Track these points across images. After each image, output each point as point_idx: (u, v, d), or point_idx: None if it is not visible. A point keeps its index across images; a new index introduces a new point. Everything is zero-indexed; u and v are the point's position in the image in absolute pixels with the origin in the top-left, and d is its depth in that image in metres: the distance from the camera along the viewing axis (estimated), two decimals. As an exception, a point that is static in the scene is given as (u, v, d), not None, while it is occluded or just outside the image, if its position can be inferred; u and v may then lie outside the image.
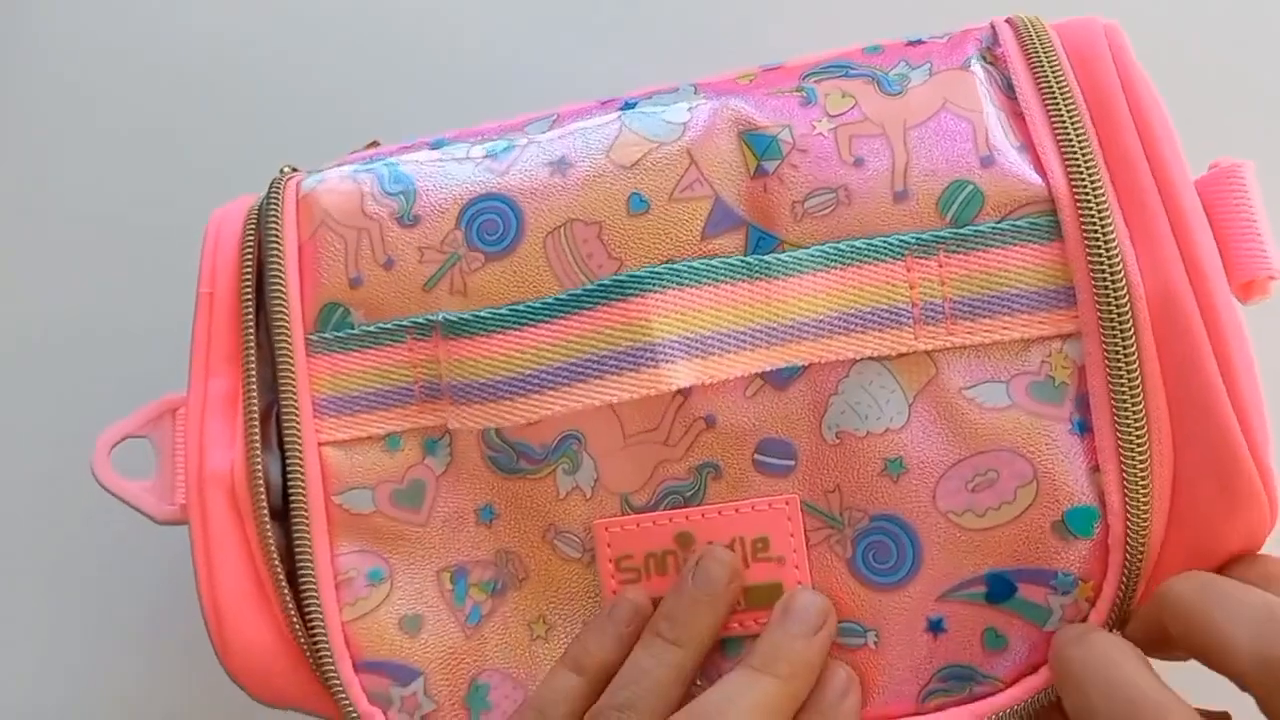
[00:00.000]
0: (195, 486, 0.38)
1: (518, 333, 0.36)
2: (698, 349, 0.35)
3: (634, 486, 0.36)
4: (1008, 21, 0.37)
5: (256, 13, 0.53)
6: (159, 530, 0.45)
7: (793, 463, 0.35)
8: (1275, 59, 0.47)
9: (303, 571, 0.37)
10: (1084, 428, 0.34)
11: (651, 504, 0.36)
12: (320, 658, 0.37)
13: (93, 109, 0.53)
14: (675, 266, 0.35)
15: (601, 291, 0.36)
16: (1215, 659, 0.29)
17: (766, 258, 0.35)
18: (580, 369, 0.35)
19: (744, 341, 0.35)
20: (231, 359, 0.39)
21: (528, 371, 0.36)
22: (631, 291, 0.35)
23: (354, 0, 0.52)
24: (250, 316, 0.39)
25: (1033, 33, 0.36)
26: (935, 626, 0.34)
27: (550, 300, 0.36)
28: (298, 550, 0.37)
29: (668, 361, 0.35)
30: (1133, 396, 0.33)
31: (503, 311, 0.37)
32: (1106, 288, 0.33)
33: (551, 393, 0.36)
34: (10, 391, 0.51)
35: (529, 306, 0.36)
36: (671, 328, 0.35)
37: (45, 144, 0.53)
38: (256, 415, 0.38)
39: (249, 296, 0.39)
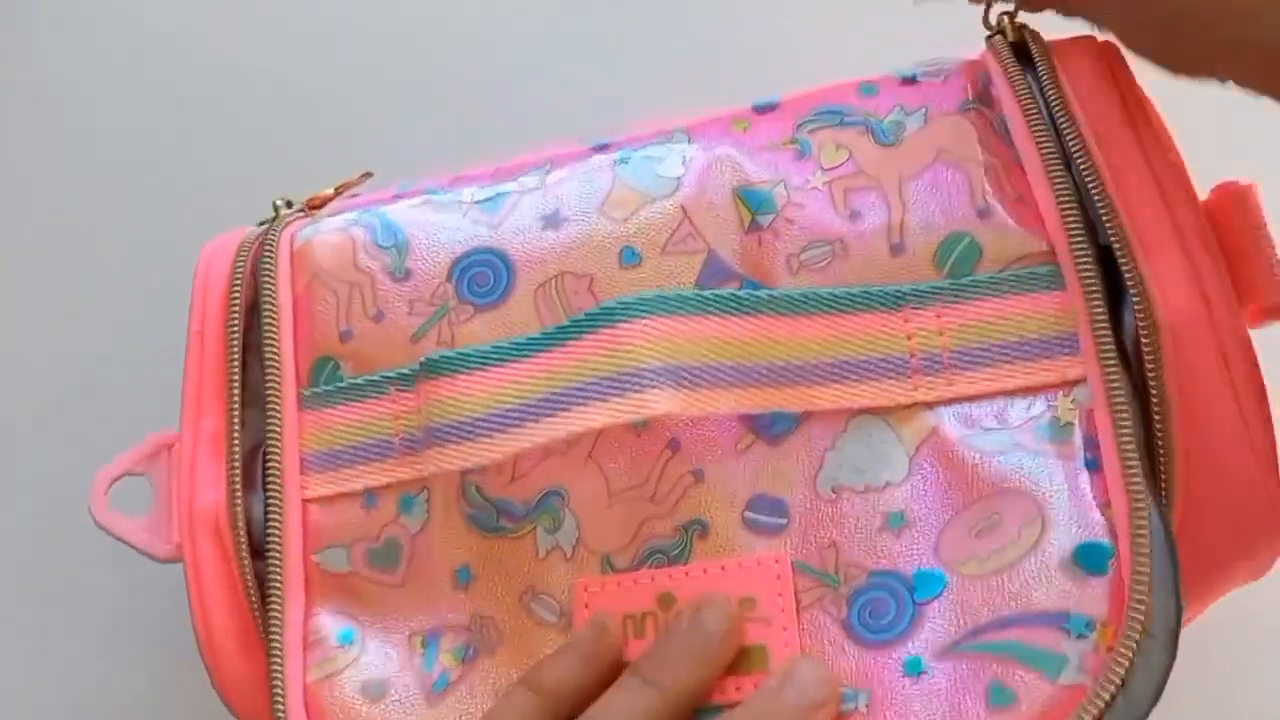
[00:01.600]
0: (186, 526, 0.38)
1: (500, 369, 0.35)
2: (685, 380, 0.34)
3: (617, 546, 0.35)
4: (997, 53, 0.36)
5: (254, 33, 0.53)
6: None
7: (784, 521, 0.34)
8: None
9: (272, 634, 0.37)
10: (1094, 465, 0.32)
11: (634, 565, 0.35)
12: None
13: (88, 129, 0.54)
14: (665, 295, 0.34)
15: (589, 320, 0.35)
16: None
17: (759, 293, 0.35)
18: (562, 399, 0.34)
19: (733, 378, 0.34)
20: (220, 399, 0.39)
21: (508, 407, 0.35)
22: (620, 317, 0.34)
23: (350, 19, 0.52)
24: (236, 360, 0.39)
25: (1026, 65, 0.35)
26: (929, 681, 0.31)
27: (536, 335, 0.35)
28: (269, 612, 0.37)
29: (653, 388, 0.33)
30: (1135, 441, 0.31)
31: (485, 349, 0.36)
32: (1108, 340, 0.32)
33: (532, 424, 0.35)
34: (15, 414, 0.52)
35: (513, 342, 0.36)
36: (658, 354, 0.34)
37: (40, 165, 0.54)
38: (239, 460, 0.38)
39: (236, 340, 0.39)
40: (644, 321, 0.34)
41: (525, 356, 0.35)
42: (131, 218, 0.52)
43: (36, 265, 0.53)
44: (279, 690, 0.36)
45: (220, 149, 0.52)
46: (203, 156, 0.52)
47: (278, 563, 0.37)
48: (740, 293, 0.35)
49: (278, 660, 0.36)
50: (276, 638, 0.37)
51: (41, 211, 0.53)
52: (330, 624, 0.37)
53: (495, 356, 0.36)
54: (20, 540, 0.49)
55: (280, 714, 0.36)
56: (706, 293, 0.35)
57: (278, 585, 0.37)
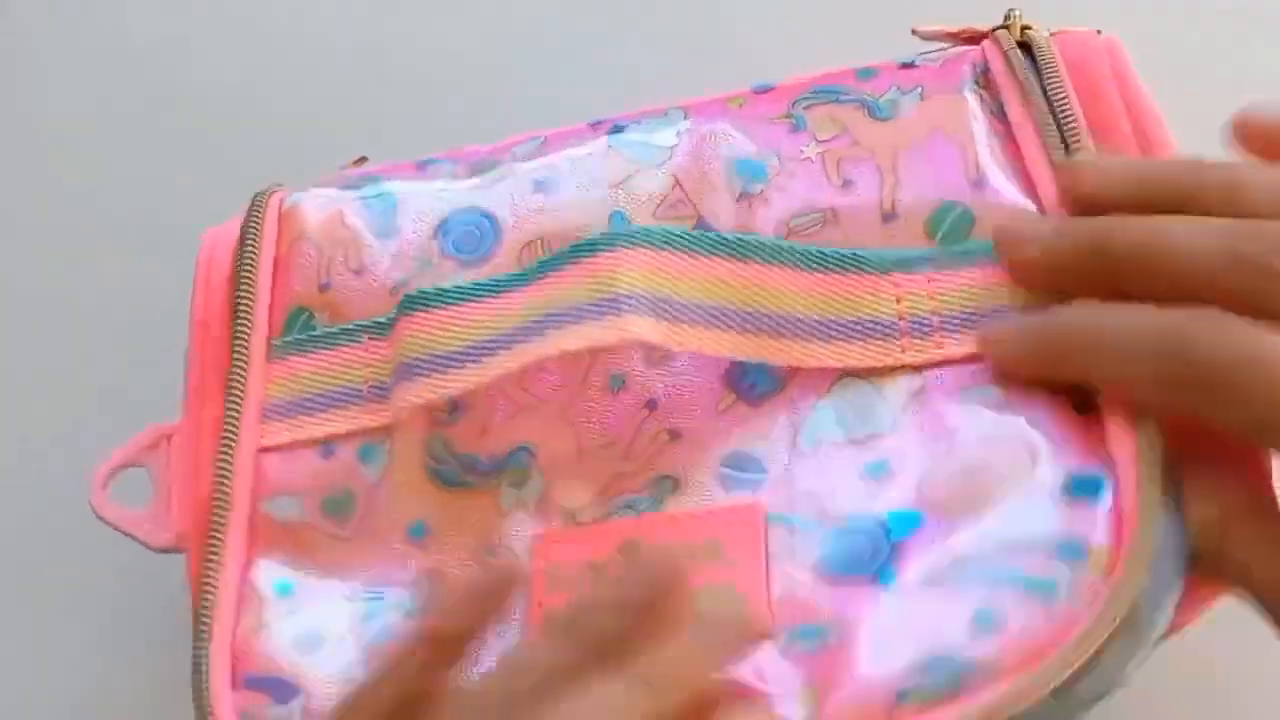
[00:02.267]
0: (191, 515, 0.37)
1: (477, 304, 0.35)
2: (667, 311, 0.33)
3: (584, 502, 0.34)
4: (999, 44, 0.36)
5: (252, 28, 0.53)
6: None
7: (762, 476, 0.33)
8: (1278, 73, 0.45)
9: (206, 585, 0.35)
10: (1087, 409, 0.31)
11: (600, 520, 0.34)
12: (198, 670, 0.34)
13: (89, 123, 0.54)
14: (651, 229, 0.34)
15: (571, 252, 0.34)
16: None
17: (746, 237, 0.34)
18: (537, 326, 0.34)
19: (718, 320, 0.33)
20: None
21: (485, 338, 0.35)
22: (602, 247, 0.34)
23: (348, 14, 0.52)
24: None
25: (1025, 59, 0.35)
26: (908, 604, 0.30)
27: (517, 272, 0.35)
28: (207, 562, 0.35)
29: (633, 313, 0.33)
30: None
31: (465, 285, 0.36)
32: None
33: (505, 353, 0.34)
34: (14, 412, 0.52)
35: (494, 280, 0.36)
36: (639, 282, 0.33)
37: (39, 157, 0.54)
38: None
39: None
40: (627, 251, 0.34)
41: (504, 291, 0.35)
42: (132, 210, 0.52)
43: (36, 257, 0.53)
44: (203, 640, 0.34)
45: (220, 141, 0.52)
46: (203, 148, 0.52)
47: (223, 512, 0.36)
48: (729, 235, 0.34)
49: (206, 610, 0.35)
50: (211, 589, 0.35)
51: (41, 204, 0.54)
52: (268, 574, 0.36)
53: (474, 292, 0.35)
54: (20, 540, 0.49)
55: (202, 665, 0.34)
56: (696, 232, 0.35)
57: (219, 536, 0.36)
